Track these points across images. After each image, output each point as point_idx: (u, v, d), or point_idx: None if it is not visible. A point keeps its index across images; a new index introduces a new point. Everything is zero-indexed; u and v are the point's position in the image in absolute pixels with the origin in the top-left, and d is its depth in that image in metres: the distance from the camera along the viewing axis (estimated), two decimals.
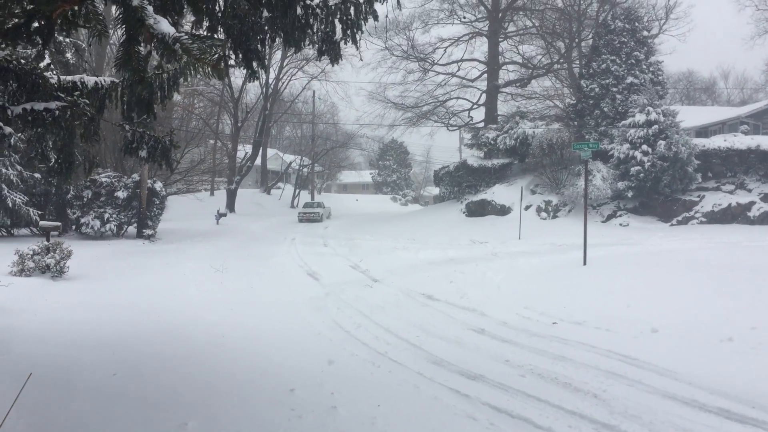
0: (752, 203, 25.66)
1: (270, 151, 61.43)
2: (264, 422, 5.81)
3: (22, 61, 6.43)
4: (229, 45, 5.76)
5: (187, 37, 4.01)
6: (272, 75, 49.22)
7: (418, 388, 7.16)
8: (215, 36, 5.49)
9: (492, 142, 33.39)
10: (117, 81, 6.68)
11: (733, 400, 6.42)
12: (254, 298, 13.21)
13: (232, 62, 5.92)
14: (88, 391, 6.59)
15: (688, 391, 6.79)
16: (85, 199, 24.37)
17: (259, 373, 7.63)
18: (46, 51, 6.72)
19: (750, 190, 26.37)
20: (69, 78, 6.84)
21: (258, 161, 52.72)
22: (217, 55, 4.09)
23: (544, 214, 28.57)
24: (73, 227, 24.74)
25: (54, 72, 6.72)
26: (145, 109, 6.36)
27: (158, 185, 26.75)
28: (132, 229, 26.24)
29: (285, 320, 11.04)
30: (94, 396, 6.42)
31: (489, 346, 9.10)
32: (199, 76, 4.39)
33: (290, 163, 58.81)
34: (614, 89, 30.25)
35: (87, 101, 6.69)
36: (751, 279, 12.01)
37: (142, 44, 4.41)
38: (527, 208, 28.52)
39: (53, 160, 7.12)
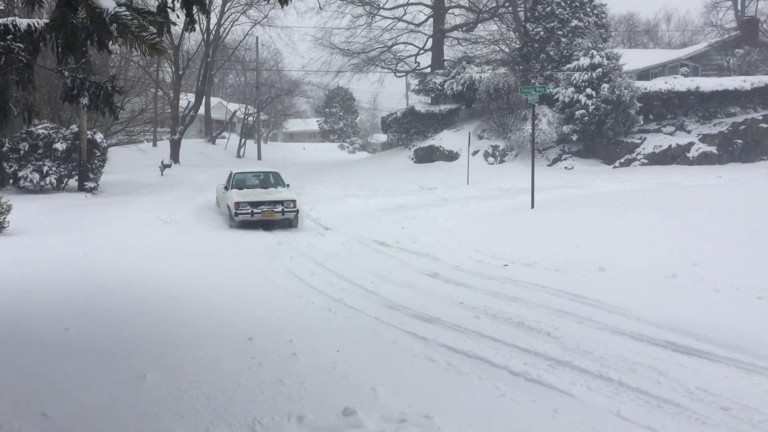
0: (691, 144, 26.37)
1: (213, 100, 59.83)
2: (224, 370, 5.80)
3: None
4: None
5: (126, 12, 3.86)
6: (213, 20, 47.59)
7: (375, 332, 7.24)
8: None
9: (439, 87, 33.26)
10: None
11: (679, 333, 6.69)
12: (205, 248, 13.06)
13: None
14: (41, 346, 6.45)
15: (636, 326, 7.06)
16: (22, 152, 23.39)
17: (216, 322, 7.59)
18: None
19: (689, 132, 27.06)
20: (0, 21, 6.47)
21: (201, 110, 51.35)
22: (155, 35, 3.99)
23: (491, 159, 28.85)
24: (11, 181, 23.84)
25: None
26: (80, 53, 6.07)
27: (98, 136, 25.85)
28: (73, 182, 25.42)
29: (238, 270, 10.97)
30: (48, 350, 6.28)
31: (443, 290, 9.25)
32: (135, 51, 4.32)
33: (234, 111, 57.44)
34: (559, 32, 30.30)
35: (21, 46, 6.35)
36: (691, 217, 12.43)
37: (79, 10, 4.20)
38: (475, 153, 28.71)
39: None
